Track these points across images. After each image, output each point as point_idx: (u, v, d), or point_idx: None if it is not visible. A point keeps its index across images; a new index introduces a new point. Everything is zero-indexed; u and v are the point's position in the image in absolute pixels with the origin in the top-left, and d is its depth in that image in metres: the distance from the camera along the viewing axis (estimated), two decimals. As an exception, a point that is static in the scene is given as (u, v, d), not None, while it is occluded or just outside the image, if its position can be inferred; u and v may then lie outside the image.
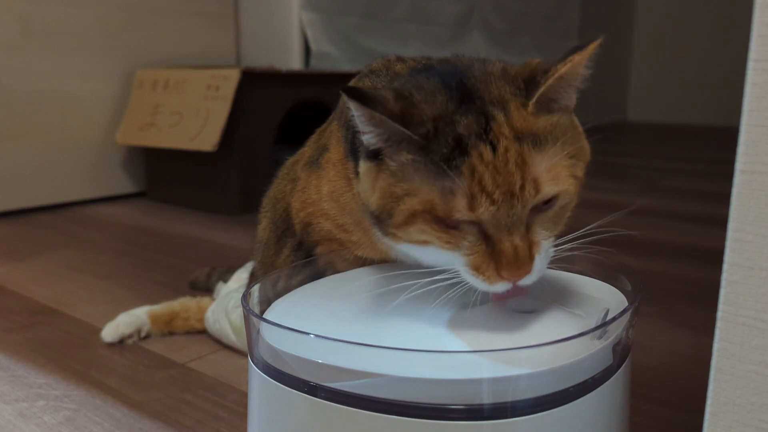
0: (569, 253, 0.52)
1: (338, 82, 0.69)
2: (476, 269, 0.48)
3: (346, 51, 2.30)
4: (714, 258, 0.54)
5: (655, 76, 4.42)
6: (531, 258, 0.48)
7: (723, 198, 0.43)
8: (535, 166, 0.47)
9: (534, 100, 0.49)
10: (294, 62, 2.18)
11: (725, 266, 0.37)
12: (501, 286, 0.48)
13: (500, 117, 0.48)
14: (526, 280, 0.48)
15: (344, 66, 2.26)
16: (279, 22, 2.19)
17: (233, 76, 1.74)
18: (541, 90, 0.48)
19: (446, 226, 0.48)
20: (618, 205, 0.56)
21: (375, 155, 0.51)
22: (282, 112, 1.88)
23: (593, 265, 0.59)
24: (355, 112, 0.49)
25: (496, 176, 0.46)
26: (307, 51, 2.20)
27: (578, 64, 0.49)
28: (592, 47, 0.49)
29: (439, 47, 2.70)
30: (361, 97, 0.47)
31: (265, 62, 2.21)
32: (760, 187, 0.35)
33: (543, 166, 0.47)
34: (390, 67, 0.62)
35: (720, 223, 0.40)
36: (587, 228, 0.52)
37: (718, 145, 3.34)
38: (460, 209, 0.47)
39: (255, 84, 1.78)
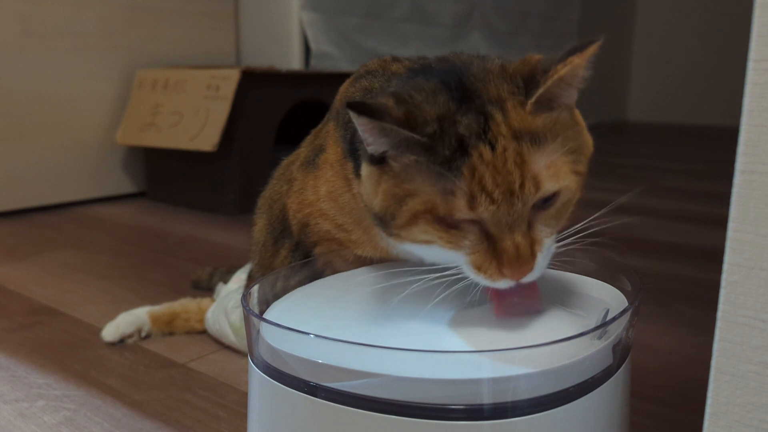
0: (568, 248, 0.52)
1: (338, 82, 0.69)
2: (478, 268, 0.49)
3: (346, 51, 2.30)
4: (714, 258, 0.54)
5: (655, 76, 4.42)
6: (533, 255, 0.48)
7: (723, 198, 0.43)
8: (535, 163, 0.47)
9: (533, 99, 0.49)
10: (294, 62, 2.18)
11: (725, 266, 0.37)
12: (503, 284, 0.49)
13: (498, 116, 0.48)
14: (529, 278, 0.49)
15: (344, 66, 2.25)
16: (279, 22, 2.19)
17: (233, 76, 1.74)
18: (541, 90, 0.48)
19: (448, 225, 0.48)
20: (618, 206, 0.56)
21: (379, 160, 0.51)
22: (282, 112, 1.88)
23: (593, 265, 0.59)
24: (365, 126, 0.48)
25: (495, 175, 0.46)
26: (307, 51, 2.20)
27: (578, 66, 0.49)
28: (592, 49, 0.48)
29: (439, 47, 2.70)
30: (369, 111, 0.47)
31: (265, 62, 2.21)
32: (760, 187, 0.35)
33: (542, 163, 0.47)
34: (386, 67, 0.62)
35: (720, 223, 0.40)
36: (581, 224, 0.52)
37: (718, 145, 3.34)
38: (461, 208, 0.47)
39: (255, 84, 1.78)
